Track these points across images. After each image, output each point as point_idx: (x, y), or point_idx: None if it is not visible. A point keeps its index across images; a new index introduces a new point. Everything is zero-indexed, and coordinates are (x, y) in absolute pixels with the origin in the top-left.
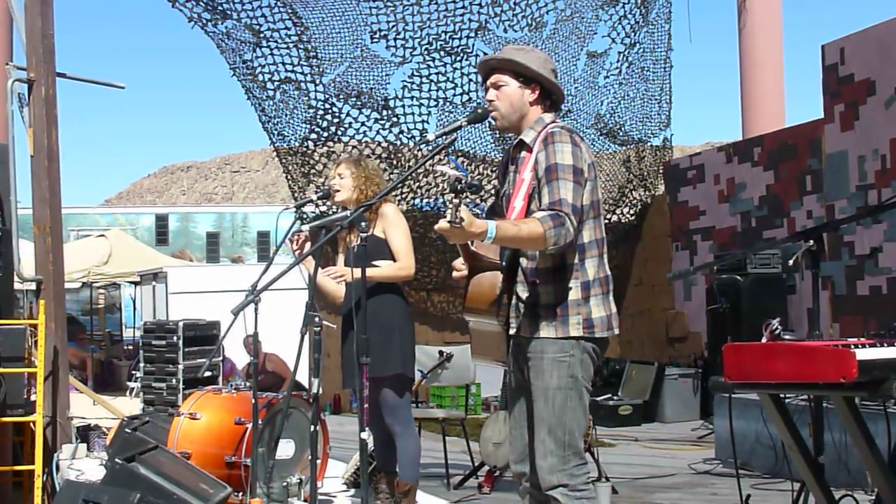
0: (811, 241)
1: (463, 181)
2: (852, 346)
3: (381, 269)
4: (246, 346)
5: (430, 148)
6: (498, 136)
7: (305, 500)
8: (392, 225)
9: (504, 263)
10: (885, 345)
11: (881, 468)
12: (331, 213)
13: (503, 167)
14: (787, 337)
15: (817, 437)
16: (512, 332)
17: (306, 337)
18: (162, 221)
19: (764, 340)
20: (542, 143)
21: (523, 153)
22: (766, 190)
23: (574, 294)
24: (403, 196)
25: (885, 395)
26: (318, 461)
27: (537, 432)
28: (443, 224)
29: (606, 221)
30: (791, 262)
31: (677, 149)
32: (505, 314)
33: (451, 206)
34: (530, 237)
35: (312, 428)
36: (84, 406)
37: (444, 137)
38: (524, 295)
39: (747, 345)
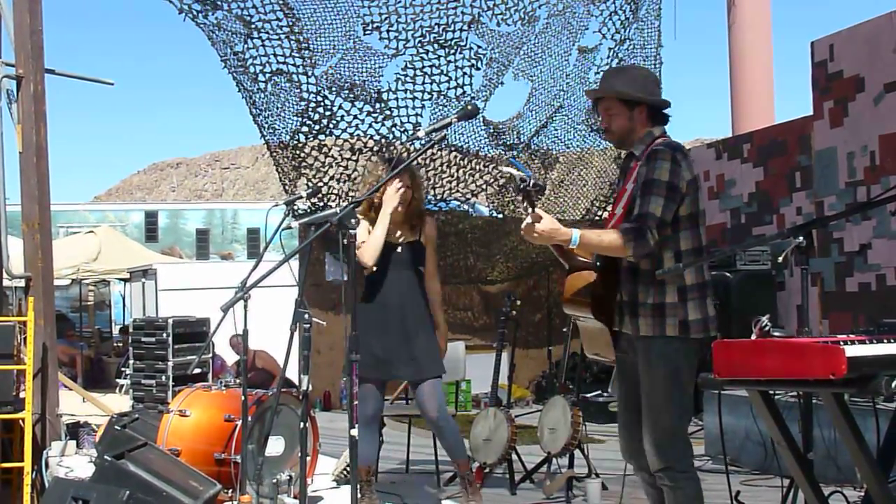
0: (800, 238)
1: (528, 181)
2: (841, 343)
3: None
4: (233, 346)
5: (421, 144)
6: (492, 131)
7: (295, 497)
8: (431, 242)
9: (598, 263)
10: (874, 341)
11: (870, 464)
12: (319, 209)
13: (617, 181)
14: (776, 334)
15: (806, 434)
16: (616, 328)
17: (296, 334)
18: (151, 218)
19: (753, 337)
20: (647, 157)
21: (632, 163)
22: (756, 186)
23: (671, 297)
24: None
25: (873, 392)
26: (308, 458)
27: (645, 418)
28: (526, 227)
29: (596, 218)
30: (780, 258)
31: None
32: (609, 312)
33: (524, 209)
34: (610, 247)
35: (302, 424)
36: (73, 403)
37: (434, 133)
38: (625, 294)
39: (736, 342)
